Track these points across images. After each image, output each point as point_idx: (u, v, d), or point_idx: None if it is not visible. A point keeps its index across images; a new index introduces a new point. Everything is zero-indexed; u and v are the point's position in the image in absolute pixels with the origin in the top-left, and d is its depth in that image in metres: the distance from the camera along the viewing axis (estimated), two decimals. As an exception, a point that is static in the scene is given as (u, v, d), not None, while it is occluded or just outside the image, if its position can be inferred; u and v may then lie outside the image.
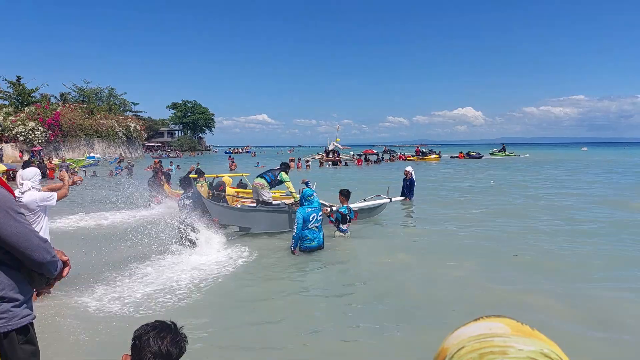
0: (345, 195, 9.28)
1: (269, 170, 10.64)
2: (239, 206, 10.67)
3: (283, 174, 10.37)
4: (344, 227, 9.14)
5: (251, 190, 11.25)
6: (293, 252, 8.12)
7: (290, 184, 10.45)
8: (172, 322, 1.99)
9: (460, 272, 7.03)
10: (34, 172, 5.56)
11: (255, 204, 10.52)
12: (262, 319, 5.35)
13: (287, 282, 6.82)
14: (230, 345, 4.61)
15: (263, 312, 5.58)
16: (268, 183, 10.30)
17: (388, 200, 12.04)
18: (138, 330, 1.94)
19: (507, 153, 61.20)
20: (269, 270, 7.36)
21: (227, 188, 12.18)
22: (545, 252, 8.25)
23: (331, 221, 9.28)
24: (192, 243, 8.23)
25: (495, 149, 63.44)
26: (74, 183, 7.16)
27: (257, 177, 10.60)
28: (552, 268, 7.26)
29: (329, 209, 9.60)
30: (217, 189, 11.77)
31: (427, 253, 8.29)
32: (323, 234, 8.44)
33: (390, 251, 8.46)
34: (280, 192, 12.65)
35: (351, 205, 10.05)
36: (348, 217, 9.15)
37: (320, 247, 8.30)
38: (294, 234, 8.19)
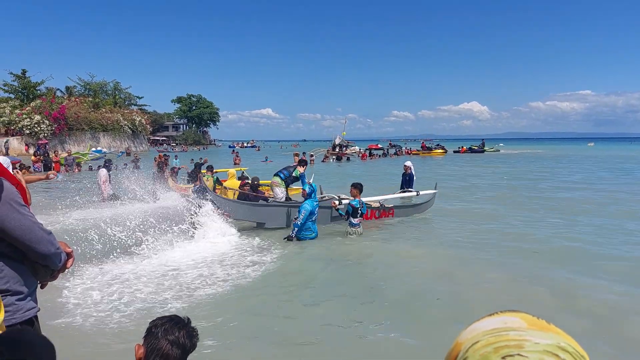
0: (358, 188, 9.21)
1: (284, 168, 10.76)
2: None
3: (298, 168, 10.44)
4: (354, 220, 9.07)
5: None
6: (291, 238, 8.56)
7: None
8: (187, 317, 2.05)
9: (476, 268, 6.96)
10: (2, 159, 5.52)
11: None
12: (270, 312, 5.35)
13: (298, 276, 6.83)
14: (238, 338, 4.60)
15: (271, 306, 5.58)
16: (283, 180, 10.37)
17: (415, 193, 11.99)
18: (154, 320, 2.00)
19: (486, 149, 60.65)
20: (279, 265, 7.35)
21: (233, 180, 12.27)
22: (562, 245, 8.22)
23: (341, 214, 9.26)
24: (194, 227, 8.68)
25: (475, 145, 62.47)
26: (47, 178, 7.23)
27: (274, 175, 10.82)
28: (569, 261, 7.23)
29: (337, 202, 9.54)
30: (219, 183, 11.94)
31: (439, 249, 8.24)
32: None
33: (401, 247, 8.42)
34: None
35: (380, 199, 10.26)
36: (360, 211, 9.06)
37: (315, 238, 8.84)
38: (298, 222, 8.56)
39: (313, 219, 8.74)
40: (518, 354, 0.58)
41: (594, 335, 4.66)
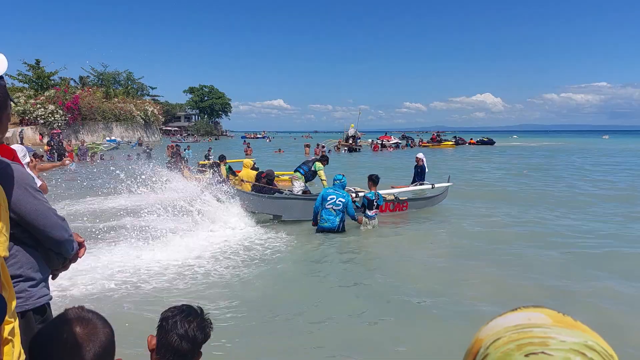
0: (373, 180, 9.12)
1: (304, 163, 11.04)
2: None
3: (317, 163, 10.66)
4: (370, 213, 8.97)
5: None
6: (314, 224, 8.65)
7: (322, 172, 10.61)
8: (199, 307, 2.01)
9: (486, 265, 6.83)
10: (18, 148, 5.49)
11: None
12: (274, 303, 5.32)
13: (305, 267, 6.81)
14: (243, 330, 4.58)
15: (277, 296, 5.55)
16: (302, 175, 10.60)
17: (430, 186, 11.90)
18: (165, 312, 1.96)
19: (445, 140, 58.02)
20: (287, 256, 7.33)
21: (248, 171, 12.29)
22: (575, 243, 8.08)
23: (357, 206, 9.19)
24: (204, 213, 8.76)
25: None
26: (62, 164, 7.34)
27: (294, 170, 11.10)
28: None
29: (354, 194, 9.47)
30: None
31: (451, 244, 8.16)
32: (342, 221, 8.56)
33: (413, 241, 8.35)
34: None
35: (395, 192, 10.22)
36: (375, 204, 8.96)
37: (331, 229, 8.48)
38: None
39: (327, 205, 8.45)
40: (542, 352, 0.55)
41: (617, 333, 4.55)
